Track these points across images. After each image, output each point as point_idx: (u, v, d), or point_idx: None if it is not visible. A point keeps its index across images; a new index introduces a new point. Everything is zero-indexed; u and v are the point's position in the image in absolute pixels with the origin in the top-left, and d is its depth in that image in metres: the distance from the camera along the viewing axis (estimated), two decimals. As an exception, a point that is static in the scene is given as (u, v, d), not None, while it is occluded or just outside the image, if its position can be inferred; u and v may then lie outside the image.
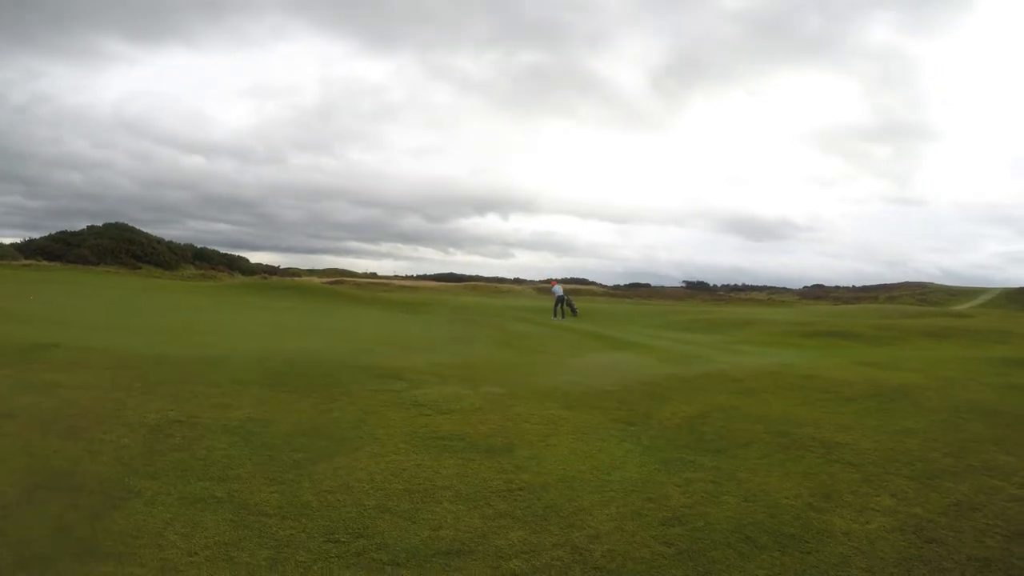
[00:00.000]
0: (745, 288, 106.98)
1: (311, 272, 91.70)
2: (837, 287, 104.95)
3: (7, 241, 65.33)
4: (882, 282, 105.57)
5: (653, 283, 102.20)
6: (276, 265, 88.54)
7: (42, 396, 6.22)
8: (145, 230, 71.88)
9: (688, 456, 5.41)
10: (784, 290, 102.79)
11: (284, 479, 4.62)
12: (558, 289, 28.38)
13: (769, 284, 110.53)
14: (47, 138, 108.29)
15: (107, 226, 69.97)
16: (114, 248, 63.94)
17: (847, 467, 5.24)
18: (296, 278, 73.24)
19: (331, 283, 54.84)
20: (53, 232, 67.55)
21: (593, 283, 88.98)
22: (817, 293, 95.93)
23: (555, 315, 26.23)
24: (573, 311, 26.91)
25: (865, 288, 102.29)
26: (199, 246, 79.14)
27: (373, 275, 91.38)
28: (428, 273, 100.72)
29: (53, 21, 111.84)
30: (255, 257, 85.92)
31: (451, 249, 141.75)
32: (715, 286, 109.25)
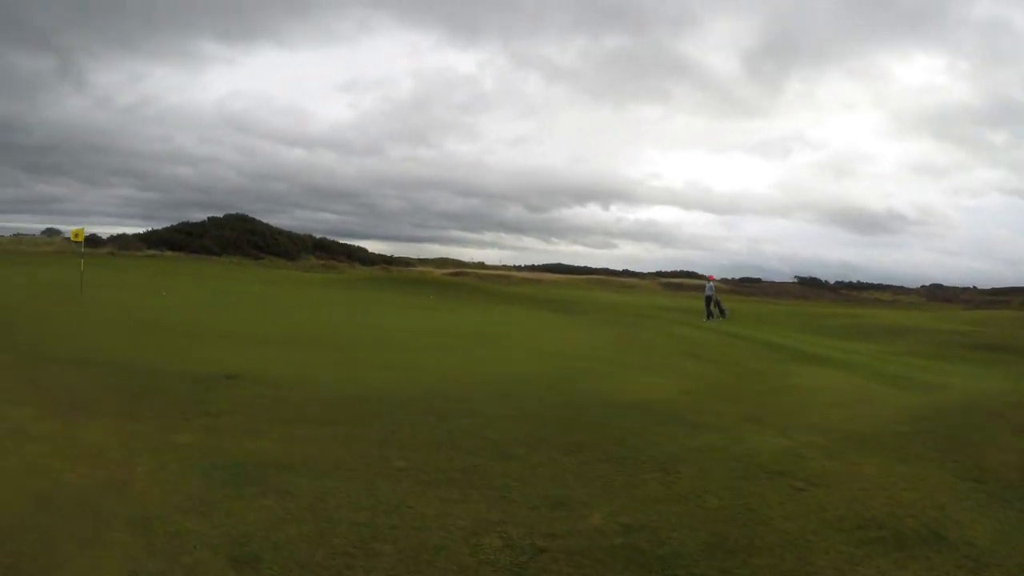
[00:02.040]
0: (861, 286, 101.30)
1: (422, 262, 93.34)
2: (965, 288, 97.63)
3: (130, 231, 68.04)
4: (1003, 283, 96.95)
5: (763, 278, 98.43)
6: (389, 254, 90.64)
7: (295, 525, 3.79)
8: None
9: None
10: (904, 290, 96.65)
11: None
12: (711, 287, 25.89)
13: (883, 282, 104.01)
14: (155, 135, 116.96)
15: (228, 217, 71.59)
16: (236, 239, 65.48)
17: None
18: (412, 268, 75.00)
19: (452, 275, 55.75)
20: (175, 223, 69.14)
21: (701, 276, 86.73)
22: (944, 295, 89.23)
23: (707, 316, 24.79)
24: (722, 312, 25.22)
25: (995, 291, 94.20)
26: (317, 236, 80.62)
27: (482, 265, 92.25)
28: (535, 264, 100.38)
29: (150, 26, 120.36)
30: (362, 245, 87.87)
31: (553, 239, 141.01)
32: (826, 282, 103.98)
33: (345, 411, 6.58)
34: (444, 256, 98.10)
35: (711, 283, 26.36)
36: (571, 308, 25.92)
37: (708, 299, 25.47)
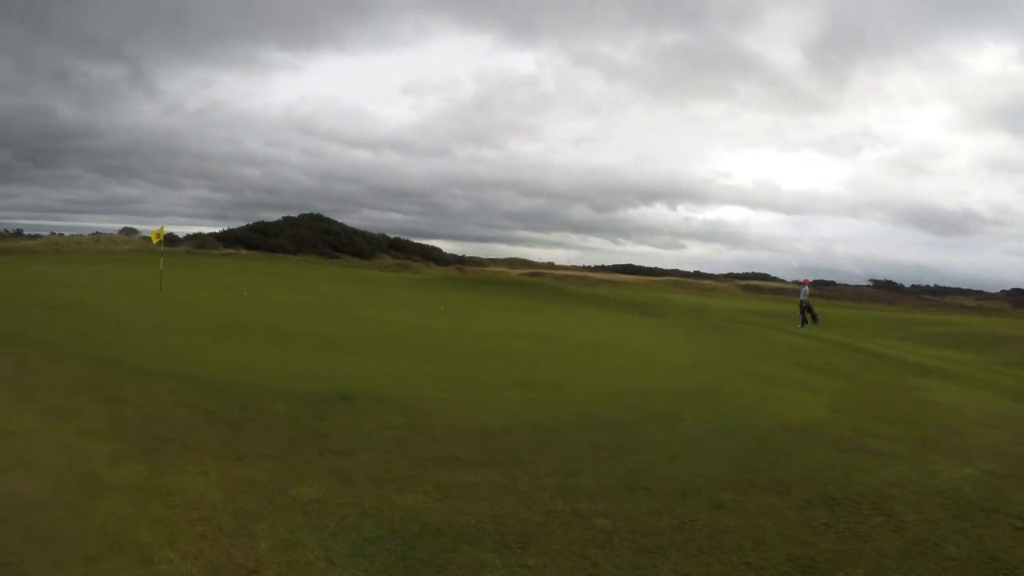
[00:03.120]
0: (940, 290, 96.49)
1: (493, 261, 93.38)
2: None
3: (206, 231, 67.96)
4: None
5: (836, 280, 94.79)
6: (460, 254, 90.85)
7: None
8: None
9: None
10: (985, 294, 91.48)
11: None
12: (805, 292, 24.85)
13: (961, 286, 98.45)
14: (224, 138, 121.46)
15: (302, 216, 70.21)
16: (311, 238, 64.35)
17: None
18: (486, 268, 75.30)
19: (528, 275, 55.71)
20: (249, 223, 68.12)
21: (774, 278, 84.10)
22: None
23: (802, 322, 23.87)
24: (814, 318, 24.31)
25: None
26: (391, 236, 79.84)
27: (552, 265, 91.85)
28: (604, 264, 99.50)
29: (215, 36, 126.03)
30: (434, 245, 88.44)
31: (620, 239, 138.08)
32: (902, 285, 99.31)
33: (496, 445, 5.53)
34: (511, 256, 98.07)
35: (806, 287, 25.29)
36: (658, 311, 25.49)
37: (802, 304, 24.56)
